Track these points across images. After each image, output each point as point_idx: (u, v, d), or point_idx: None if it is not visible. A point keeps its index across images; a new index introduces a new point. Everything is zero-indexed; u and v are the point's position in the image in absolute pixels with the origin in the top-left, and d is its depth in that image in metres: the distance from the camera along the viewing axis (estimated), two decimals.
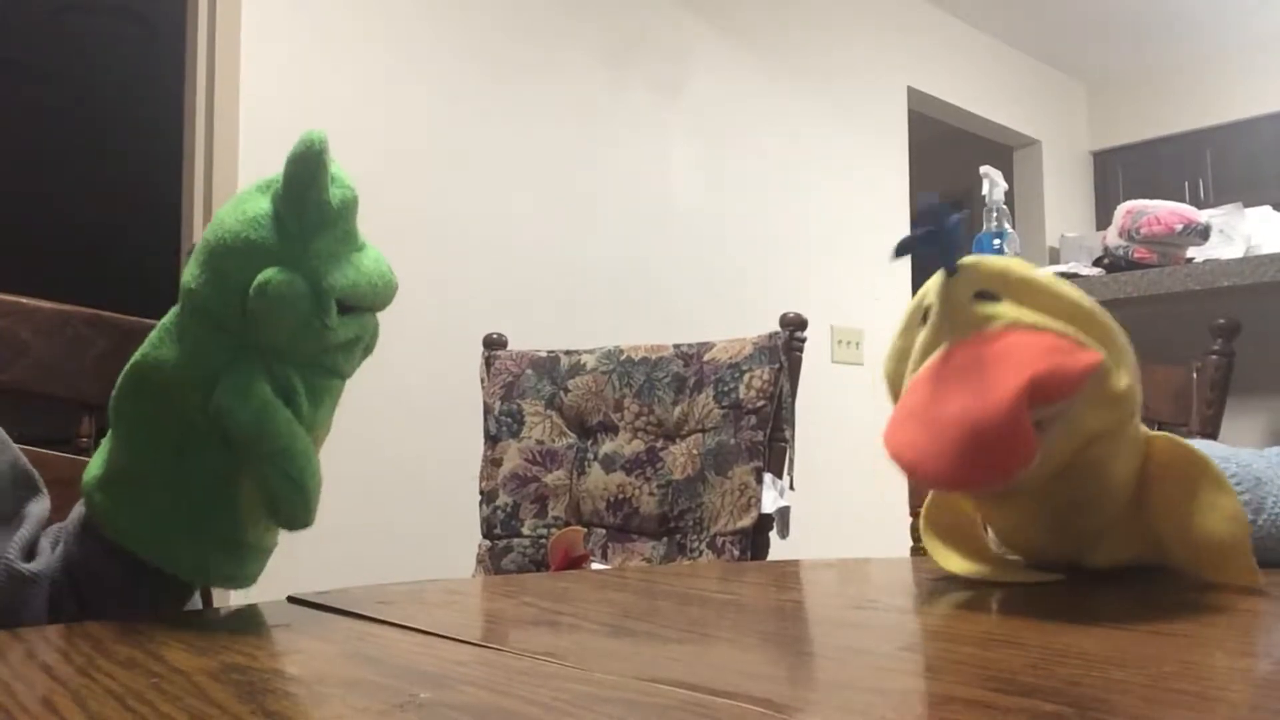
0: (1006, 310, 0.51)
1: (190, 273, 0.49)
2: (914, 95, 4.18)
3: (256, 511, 0.52)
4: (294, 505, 0.49)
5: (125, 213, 4.73)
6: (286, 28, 2.38)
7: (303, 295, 0.47)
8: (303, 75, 2.39)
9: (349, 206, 0.49)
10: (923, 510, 0.65)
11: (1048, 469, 0.52)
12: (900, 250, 0.51)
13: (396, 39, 2.57)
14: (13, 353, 0.82)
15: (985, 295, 0.51)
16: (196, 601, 0.61)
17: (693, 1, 3.31)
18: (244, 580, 0.54)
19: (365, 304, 0.50)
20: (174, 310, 0.51)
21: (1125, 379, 0.52)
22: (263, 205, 0.48)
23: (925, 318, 0.53)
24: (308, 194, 0.47)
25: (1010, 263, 0.53)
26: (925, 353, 0.53)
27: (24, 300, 0.83)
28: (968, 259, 0.51)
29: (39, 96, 4.39)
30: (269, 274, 0.47)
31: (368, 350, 0.53)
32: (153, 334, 0.51)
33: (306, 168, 0.47)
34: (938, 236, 0.50)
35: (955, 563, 0.62)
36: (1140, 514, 0.57)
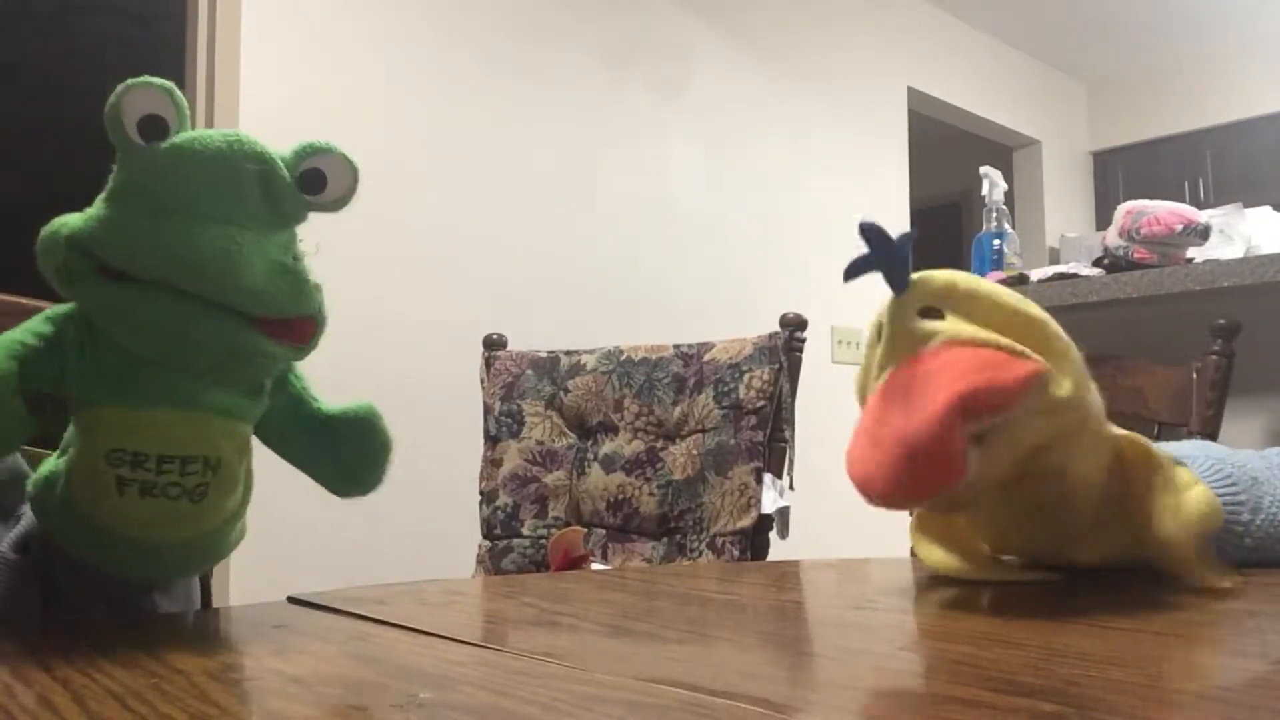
0: (946, 326, 0.51)
1: None
2: (914, 95, 4.18)
3: (95, 496, 0.50)
4: None
5: None
6: (286, 28, 2.38)
7: (55, 228, 0.45)
8: (303, 75, 2.39)
9: (173, 163, 0.45)
10: (914, 513, 0.65)
11: (993, 479, 0.52)
12: (850, 273, 0.52)
13: (396, 39, 2.57)
14: None
15: (930, 313, 0.52)
16: (196, 601, 0.61)
17: (693, 1, 3.30)
18: (148, 574, 0.54)
19: (118, 266, 0.45)
20: None
21: (1067, 386, 0.52)
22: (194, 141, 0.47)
23: (878, 336, 0.54)
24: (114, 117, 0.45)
25: (955, 277, 0.54)
26: (879, 371, 0.54)
27: (24, 300, 0.83)
28: (916, 276, 0.52)
29: (39, 96, 4.39)
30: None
31: (170, 339, 0.46)
32: None
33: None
34: (885, 259, 0.51)
35: (945, 563, 0.62)
36: (1123, 511, 0.58)
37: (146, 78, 0.46)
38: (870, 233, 0.50)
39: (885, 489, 0.48)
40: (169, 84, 0.46)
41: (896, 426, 0.48)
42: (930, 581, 0.64)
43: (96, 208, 0.46)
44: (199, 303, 0.46)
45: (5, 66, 4.31)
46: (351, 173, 0.52)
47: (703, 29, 3.34)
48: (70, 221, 0.46)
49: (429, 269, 2.57)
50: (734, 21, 3.44)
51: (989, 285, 0.54)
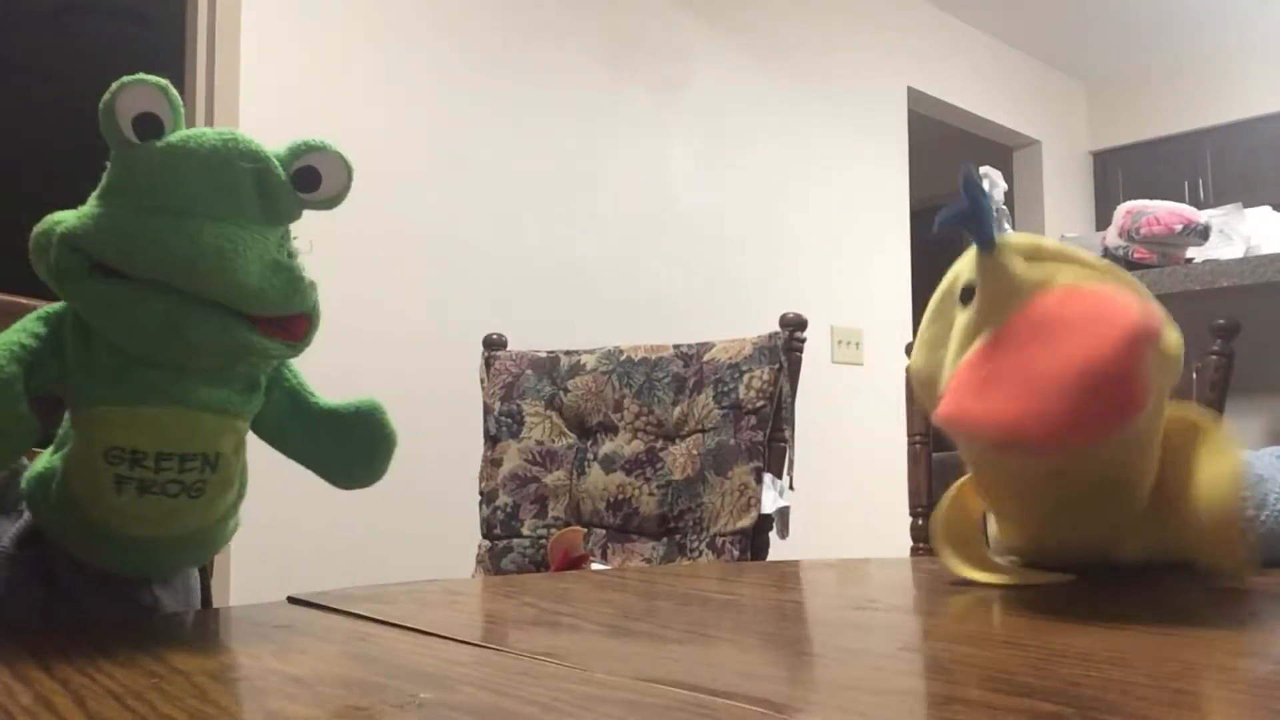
0: (1060, 272, 0.50)
1: None
2: (914, 95, 4.18)
3: (92, 492, 0.50)
4: None
5: None
6: (286, 28, 2.38)
7: (48, 226, 0.46)
8: (303, 75, 2.39)
9: (159, 161, 0.45)
10: (934, 520, 0.64)
11: (1141, 430, 0.51)
12: (942, 223, 0.51)
13: (397, 39, 2.57)
14: None
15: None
16: (196, 594, 0.61)
17: (693, 1, 3.30)
18: (126, 567, 0.54)
19: (113, 264, 0.45)
20: None
21: (1175, 338, 0.51)
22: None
23: (963, 299, 0.53)
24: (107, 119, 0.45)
25: (1038, 237, 0.53)
26: (974, 331, 0.51)
27: (24, 300, 0.83)
28: (1000, 237, 0.51)
29: (39, 96, 4.39)
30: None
31: (165, 337, 0.46)
32: None
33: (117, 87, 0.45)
34: (974, 214, 0.50)
35: (971, 571, 0.61)
36: (1166, 500, 0.57)
37: (141, 75, 0.45)
38: (969, 186, 0.49)
39: (1060, 427, 0.45)
40: (164, 82, 0.46)
41: (1065, 360, 0.45)
42: (930, 581, 0.64)
43: (90, 205, 0.46)
44: (194, 301, 0.45)
45: (5, 65, 4.31)
46: (346, 171, 0.52)
47: (703, 29, 3.34)
48: (63, 219, 0.46)
49: (429, 269, 2.57)
50: (734, 21, 3.44)
51: (1070, 246, 0.53)
